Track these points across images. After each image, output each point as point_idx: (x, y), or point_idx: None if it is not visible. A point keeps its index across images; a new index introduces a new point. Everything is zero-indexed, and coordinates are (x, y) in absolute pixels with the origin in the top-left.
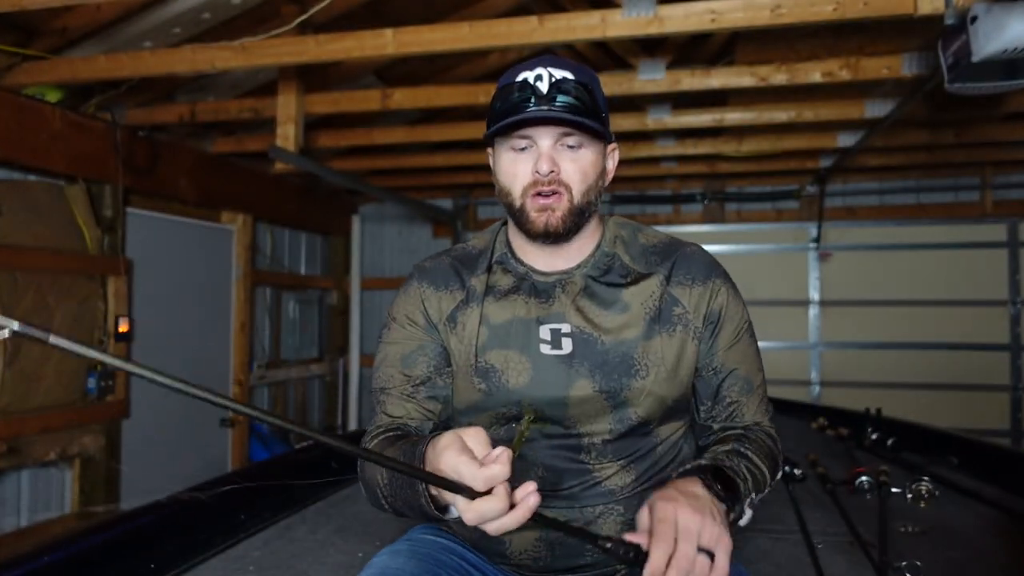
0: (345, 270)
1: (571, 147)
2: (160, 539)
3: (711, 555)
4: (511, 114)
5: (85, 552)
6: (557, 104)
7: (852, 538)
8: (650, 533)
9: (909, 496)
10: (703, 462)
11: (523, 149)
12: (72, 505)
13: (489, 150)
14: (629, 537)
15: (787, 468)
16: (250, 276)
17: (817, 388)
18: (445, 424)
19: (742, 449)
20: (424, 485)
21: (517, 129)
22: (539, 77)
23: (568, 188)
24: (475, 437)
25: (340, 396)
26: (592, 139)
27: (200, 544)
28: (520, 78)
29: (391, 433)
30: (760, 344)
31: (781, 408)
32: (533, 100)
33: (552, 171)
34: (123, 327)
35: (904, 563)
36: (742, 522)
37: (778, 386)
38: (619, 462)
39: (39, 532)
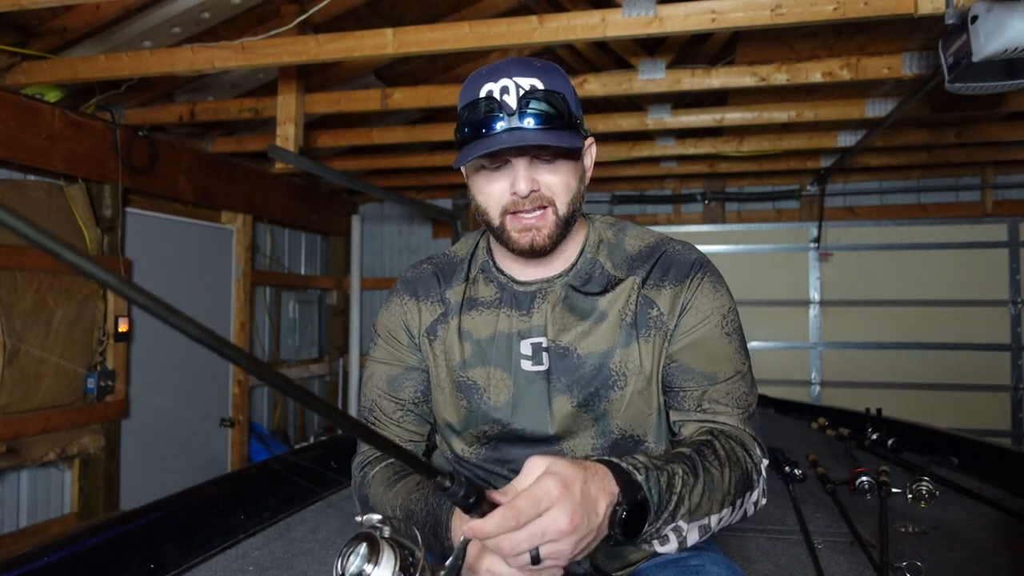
0: (345, 270)
1: (548, 161)
2: (160, 539)
3: (538, 561)
4: (479, 130)
5: (85, 552)
6: (528, 114)
7: (852, 538)
8: (516, 496)
9: (909, 496)
10: (637, 478)
11: (497, 168)
12: (72, 505)
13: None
14: (494, 495)
15: (787, 468)
16: (250, 276)
17: (817, 388)
18: (433, 447)
19: (698, 462)
20: (446, 535)
21: (490, 158)
22: (505, 89)
23: (552, 202)
24: None
25: (340, 396)
26: (569, 148)
27: (200, 544)
28: (484, 92)
29: (380, 465)
30: (760, 344)
31: (781, 408)
32: (502, 116)
33: (533, 190)
34: (123, 327)
35: (904, 563)
36: (662, 548)
37: (778, 386)
38: None
39: (39, 532)
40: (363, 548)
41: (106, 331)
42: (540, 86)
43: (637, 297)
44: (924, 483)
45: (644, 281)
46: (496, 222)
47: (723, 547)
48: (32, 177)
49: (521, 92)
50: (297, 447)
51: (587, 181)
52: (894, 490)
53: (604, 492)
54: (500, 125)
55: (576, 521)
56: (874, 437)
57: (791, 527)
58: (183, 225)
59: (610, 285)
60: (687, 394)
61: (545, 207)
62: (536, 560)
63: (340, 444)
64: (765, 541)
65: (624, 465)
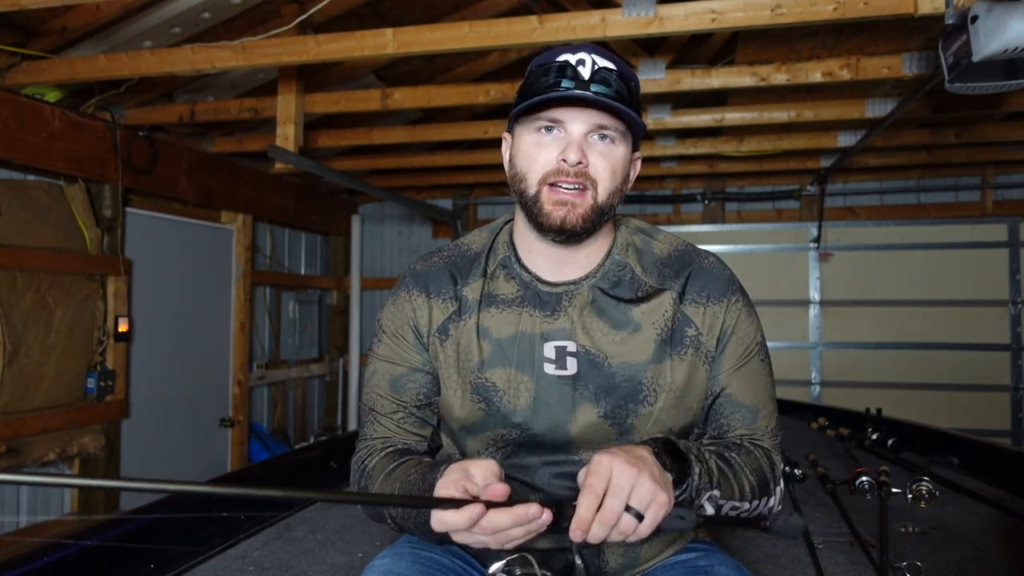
0: (345, 270)
1: (603, 140)
2: (160, 539)
3: (642, 516)
4: (547, 89)
5: (85, 552)
6: (599, 83)
7: (852, 538)
8: (583, 483)
9: (909, 496)
10: (656, 435)
11: (550, 132)
12: (72, 505)
13: (505, 135)
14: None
15: (787, 468)
16: (250, 276)
17: (817, 388)
18: (438, 447)
19: (724, 452)
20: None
21: (548, 109)
22: (581, 61)
23: (595, 184)
24: (484, 468)
25: (340, 396)
26: (624, 138)
27: (200, 544)
28: (560, 59)
29: (389, 449)
30: None
31: (781, 408)
32: (572, 83)
33: (580, 162)
34: (123, 327)
35: (904, 563)
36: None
37: (778, 386)
38: None
39: (39, 532)
40: None
41: (106, 331)
42: (614, 69)
43: (674, 313)
44: (924, 483)
45: (681, 297)
46: (532, 190)
47: (724, 547)
48: (32, 177)
49: (596, 66)
50: (297, 447)
51: (627, 189)
52: (894, 490)
53: (637, 446)
54: (569, 85)
55: (635, 464)
56: (874, 437)
57: None
58: (183, 225)
59: (640, 291)
60: (732, 431)
61: (586, 188)
62: (640, 516)
63: (340, 444)
64: (765, 541)
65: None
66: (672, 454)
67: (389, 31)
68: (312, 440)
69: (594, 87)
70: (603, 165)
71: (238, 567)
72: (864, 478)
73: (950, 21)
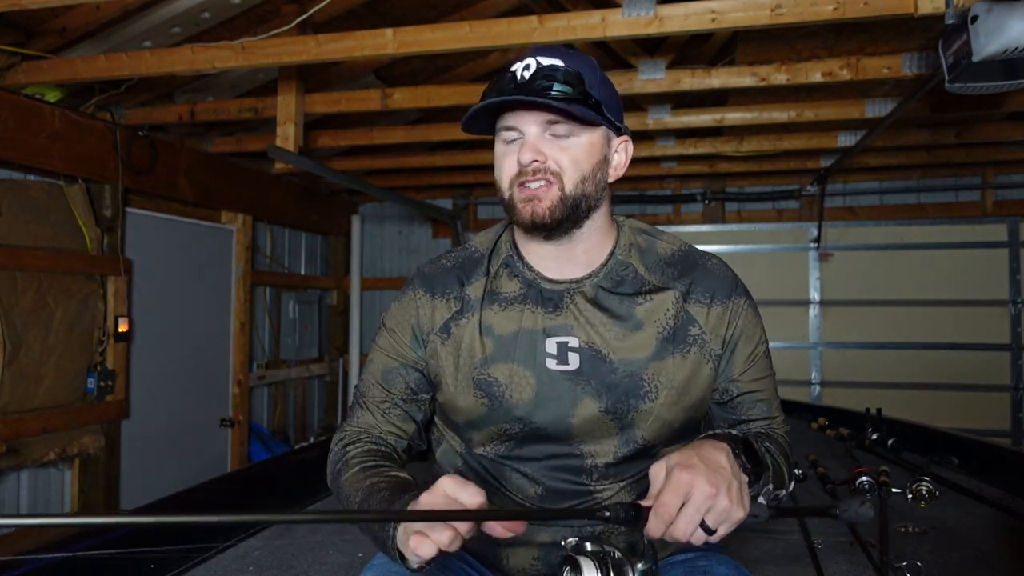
0: (345, 270)
1: (560, 136)
2: (160, 539)
3: (711, 530)
4: (489, 97)
5: (85, 552)
6: (538, 86)
7: (852, 538)
8: (658, 495)
9: (909, 496)
10: (735, 432)
11: (511, 141)
12: (72, 505)
13: None
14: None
15: None
16: (250, 276)
17: (817, 388)
18: (419, 450)
19: (765, 443)
20: (392, 536)
21: (502, 118)
22: (527, 66)
23: (559, 176)
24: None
25: (340, 396)
26: (585, 127)
27: (200, 544)
28: (511, 69)
29: (371, 446)
30: None
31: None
32: (513, 89)
33: (535, 160)
34: (123, 327)
35: (904, 563)
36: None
37: (778, 386)
38: (621, 483)
39: (39, 532)
40: (566, 571)
41: (106, 331)
42: (560, 65)
43: (677, 312)
44: (924, 483)
45: (685, 296)
46: (506, 195)
47: (723, 546)
48: (32, 177)
49: (540, 66)
50: (297, 447)
51: (612, 177)
52: (894, 490)
53: (717, 449)
54: (509, 89)
55: (715, 482)
56: (874, 437)
57: (791, 527)
58: (183, 225)
59: (644, 290)
60: (753, 423)
61: (552, 182)
62: (711, 531)
63: None
64: (765, 541)
65: (720, 431)
66: (750, 457)
67: (389, 31)
68: (312, 440)
69: (540, 87)
70: (563, 157)
71: (238, 567)
72: (864, 478)
73: (950, 21)
